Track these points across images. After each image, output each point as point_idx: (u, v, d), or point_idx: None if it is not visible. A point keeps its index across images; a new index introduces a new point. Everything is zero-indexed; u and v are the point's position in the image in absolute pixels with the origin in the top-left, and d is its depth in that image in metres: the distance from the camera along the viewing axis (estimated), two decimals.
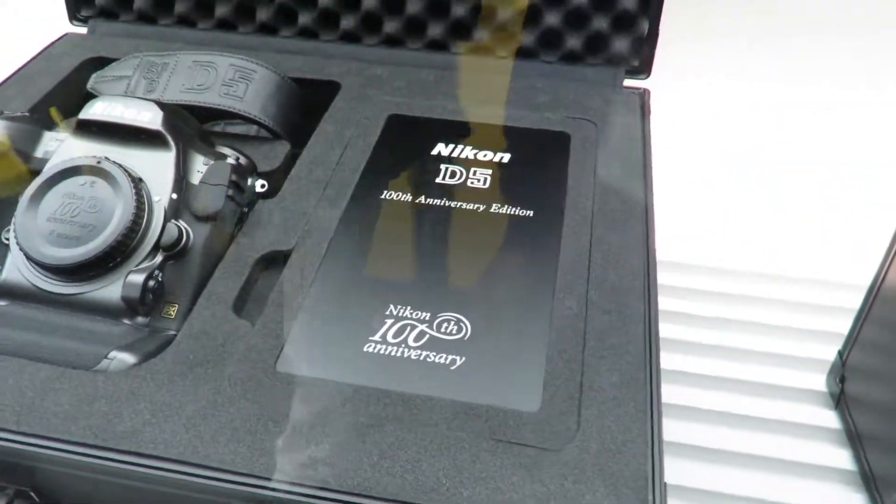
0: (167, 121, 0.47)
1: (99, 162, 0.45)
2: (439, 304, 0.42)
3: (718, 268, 0.62)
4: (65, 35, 0.68)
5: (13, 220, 0.44)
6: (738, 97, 0.80)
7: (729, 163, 0.73)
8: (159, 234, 0.44)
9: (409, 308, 0.42)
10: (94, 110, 0.47)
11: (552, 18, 0.61)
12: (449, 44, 0.64)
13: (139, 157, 0.46)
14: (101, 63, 0.64)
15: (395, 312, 0.42)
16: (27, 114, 0.50)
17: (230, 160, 0.49)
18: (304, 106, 0.60)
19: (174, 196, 0.46)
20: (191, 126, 0.49)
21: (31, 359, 0.40)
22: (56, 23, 0.73)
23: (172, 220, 0.45)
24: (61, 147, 0.47)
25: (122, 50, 0.65)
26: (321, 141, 0.55)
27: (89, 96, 0.60)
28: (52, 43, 0.67)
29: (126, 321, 0.43)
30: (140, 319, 0.43)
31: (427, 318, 0.42)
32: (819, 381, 0.54)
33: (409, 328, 0.41)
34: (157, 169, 0.46)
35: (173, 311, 0.44)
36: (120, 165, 0.44)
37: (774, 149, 0.75)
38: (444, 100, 0.60)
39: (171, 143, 0.47)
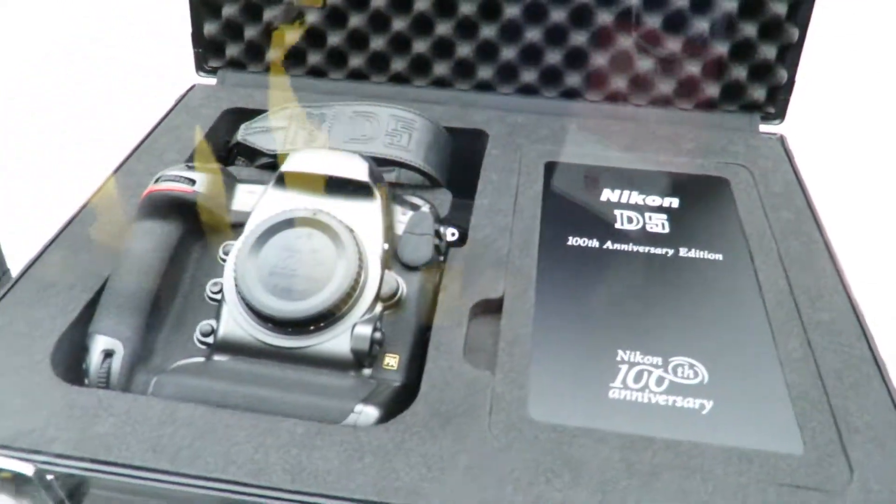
0: (372, 171, 0.47)
1: (315, 214, 0.45)
2: (665, 348, 0.43)
3: None
4: (194, 86, 0.68)
5: (230, 272, 0.44)
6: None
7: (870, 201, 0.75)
8: (378, 286, 0.44)
9: (637, 353, 0.43)
10: (298, 163, 0.47)
11: (692, 68, 0.63)
12: (584, 92, 0.65)
13: (346, 208, 0.46)
14: (238, 114, 0.65)
15: (625, 358, 0.42)
16: (221, 165, 0.50)
17: (424, 209, 0.49)
18: (454, 154, 0.61)
19: (386, 246, 0.46)
20: (381, 176, 0.50)
21: (275, 415, 0.39)
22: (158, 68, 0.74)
23: (387, 271, 0.45)
24: (262, 199, 0.47)
25: (256, 101, 0.66)
26: (490, 189, 0.56)
27: (238, 147, 0.61)
28: (185, 94, 0.67)
29: (352, 373, 0.43)
30: (365, 371, 0.43)
31: (660, 363, 0.42)
32: None
33: (646, 373, 0.41)
34: (364, 219, 0.46)
35: (394, 361, 0.44)
36: (335, 217, 0.45)
37: None
38: (592, 147, 0.61)
39: (377, 193, 0.47)
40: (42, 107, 0.91)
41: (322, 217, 0.44)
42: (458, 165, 0.61)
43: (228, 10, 0.66)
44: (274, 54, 0.68)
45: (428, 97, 0.66)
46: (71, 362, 0.43)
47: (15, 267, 0.71)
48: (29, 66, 0.94)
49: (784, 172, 0.58)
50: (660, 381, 0.41)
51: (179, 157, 0.59)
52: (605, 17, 0.62)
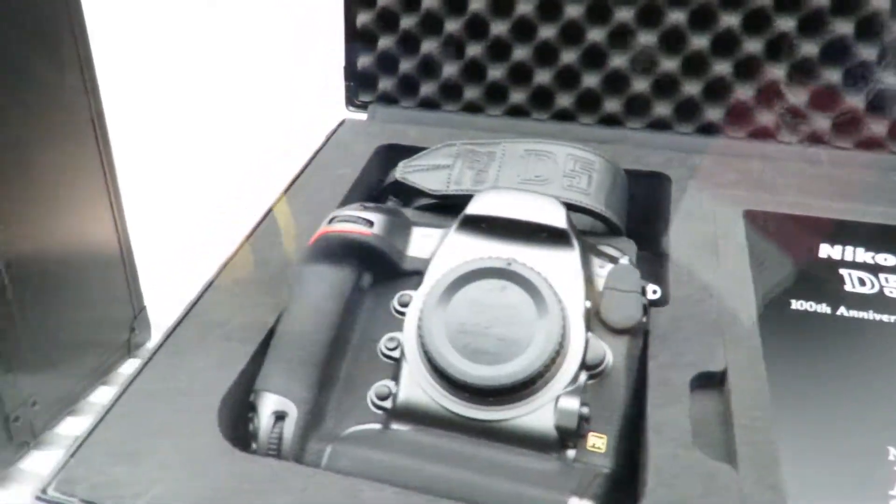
0: (569, 217, 0.41)
1: (509, 264, 0.39)
2: None
3: None
4: (344, 121, 0.65)
5: (412, 327, 0.39)
6: None
7: None
8: (583, 351, 0.38)
9: None
10: (486, 205, 0.42)
11: None
12: (777, 132, 0.58)
13: (541, 259, 0.40)
14: (392, 151, 0.61)
15: None
16: (395, 206, 0.45)
17: (624, 261, 0.43)
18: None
19: (588, 304, 0.39)
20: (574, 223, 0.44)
21: (471, 502, 0.33)
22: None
23: (590, 334, 0.39)
24: (443, 245, 0.42)
25: (410, 137, 0.62)
26: (685, 241, 0.49)
27: (394, 186, 0.56)
28: (335, 129, 0.63)
29: (555, 455, 0.36)
30: (569, 453, 0.36)
31: None
32: None
33: None
34: (563, 272, 0.40)
35: (601, 443, 0.37)
36: (532, 269, 0.39)
37: None
38: (791, 194, 0.53)
39: (575, 243, 0.41)
40: (190, 138, 0.92)
41: (518, 268, 0.39)
42: (634, 211, 0.54)
43: (384, 43, 0.63)
44: (429, 88, 0.64)
45: (595, 136, 0.60)
46: (235, 421, 0.38)
47: (157, 312, 0.70)
48: (175, 100, 0.95)
49: None
50: None
51: (333, 196, 0.55)
52: (809, 48, 0.55)
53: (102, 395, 0.64)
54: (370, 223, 0.42)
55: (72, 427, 0.61)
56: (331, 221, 0.43)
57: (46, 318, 0.57)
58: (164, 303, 0.71)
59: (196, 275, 0.68)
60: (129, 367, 0.67)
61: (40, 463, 0.57)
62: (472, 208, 0.42)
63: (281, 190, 0.55)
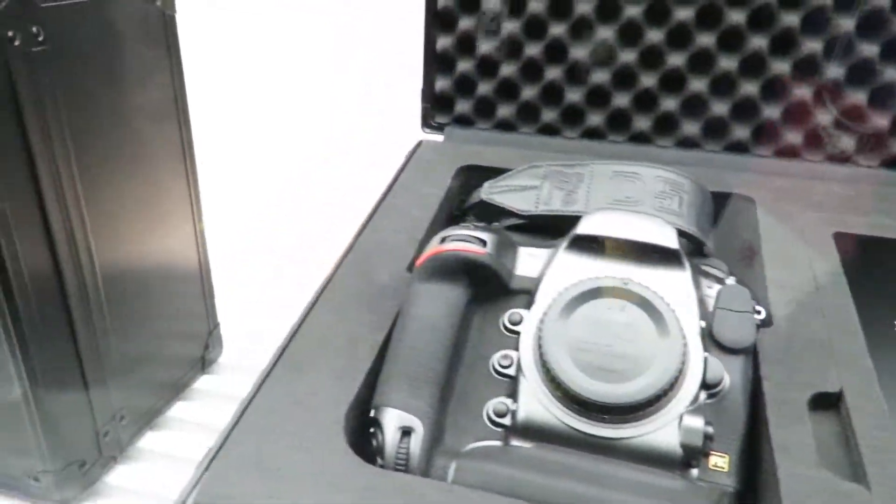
0: (680, 239, 0.42)
1: (626, 283, 0.40)
2: None
3: None
4: (421, 142, 0.66)
5: (530, 345, 0.39)
6: None
7: None
8: (702, 371, 0.38)
9: None
10: (598, 225, 0.43)
11: None
12: (856, 156, 0.59)
13: (654, 278, 0.41)
14: (472, 172, 0.62)
15: None
16: (500, 225, 0.46)
17: (730, 281, 0.43)
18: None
19: (703, 324, 0.40)
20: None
21: None
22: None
23: (707, 354, 0.39)
24: (553, 264, 0.43)
25: (488, 158, 0.63)
26: (781, 263, 0.49)
27: (478, 206, 0.57)
28: (414, 150, 0.65)
29: (679, 474, 0.37)
30: (693, 472, 0.37)
31: None
32: None
33: None
34: (676, 292, 0.40)
35: (724, 462, 0.37)
36: (649, 288, 0.39)
37: None
38: (876, 216, 0.54)
39: (686, 263, 0.41)
40: (266, 153, 0.93)
41: (636, 288, 0.39)
42: (716, 232, 0.55)
43: (463, 66, 0.64)
44: (506, 110, 0.65)
45: (672, 158, 0.61)
46: (357, 436, 0.39)
47: (236, 326, 0.71)
48: (252, 117, 0.97)
49: None
50: None
51: (422, 215, 0.55)
52: (892, 74, 0.56)
53: (180, 411, 0.64)
54: (483, 242, 0.43)
55: (152, 441, 0.61)
56: (443, 241, 0.43)
57: (134, 333, 0.58)
58: (233, 320, 0.72)
59: (266, 295, 0.69)
60: (203, 383, 0.68)
61: (125, 477, 0.58)
62: (583, 228, 0.43)
63: (369, 209, 0.56)
